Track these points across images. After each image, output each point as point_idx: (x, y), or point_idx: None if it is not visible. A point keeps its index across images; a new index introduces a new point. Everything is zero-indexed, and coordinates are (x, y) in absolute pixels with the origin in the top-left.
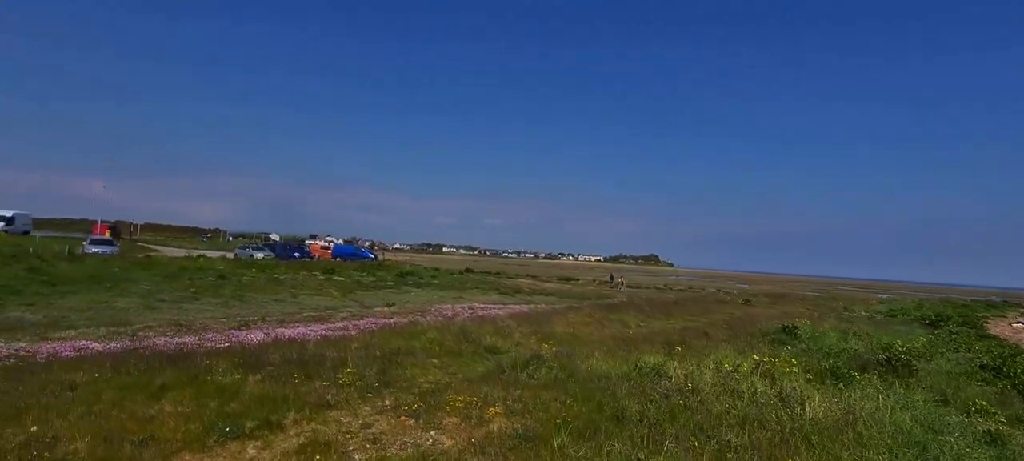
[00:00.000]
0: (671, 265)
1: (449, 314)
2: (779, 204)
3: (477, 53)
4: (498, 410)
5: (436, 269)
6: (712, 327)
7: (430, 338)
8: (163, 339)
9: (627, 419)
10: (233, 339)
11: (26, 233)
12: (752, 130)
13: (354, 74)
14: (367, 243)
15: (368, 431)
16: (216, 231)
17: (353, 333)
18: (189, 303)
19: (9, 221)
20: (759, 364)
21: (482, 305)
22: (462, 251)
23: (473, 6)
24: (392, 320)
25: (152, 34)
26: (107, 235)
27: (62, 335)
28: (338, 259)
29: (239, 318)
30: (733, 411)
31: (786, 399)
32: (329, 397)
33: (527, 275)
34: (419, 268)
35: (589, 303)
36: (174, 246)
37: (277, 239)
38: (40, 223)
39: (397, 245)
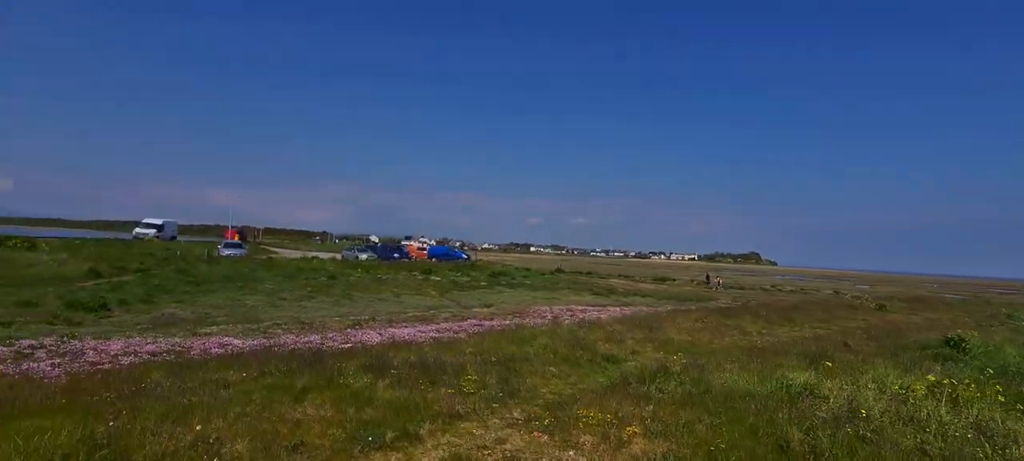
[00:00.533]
0: (774, 264)
1: (548, 316)
2: (891, 196)
3: (563, 53)
4: (636, 429)
5: (527, 269)
6: (850, 337)
7: (542, 344)
8: (290, 337)
9: (792, 451)
10: (352, 339)
11: (173, 238)
12: (860, 120)
13: (441, 76)
14: (458, 243)
15: (504, 448)
16: (324, 234)
17: (462, 336)
18: (307, 301)
19: (160, 228)
20: (935, 386)
21: (580, 307)
22: (549, 250)
23: (565, 7)
24: (494, 322)
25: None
26: (236, 239)
27: (207, 331)
28: (433, 259)
29: (351, 317)
30: (928, 447)
31: (987, 432)
32: (458, 407)
33: (619, 275)
34: (510, 268)
35: (695, 306)
36: (290, 248)
37: (377, 240)
38: (183, 229)
39: (486, 245)
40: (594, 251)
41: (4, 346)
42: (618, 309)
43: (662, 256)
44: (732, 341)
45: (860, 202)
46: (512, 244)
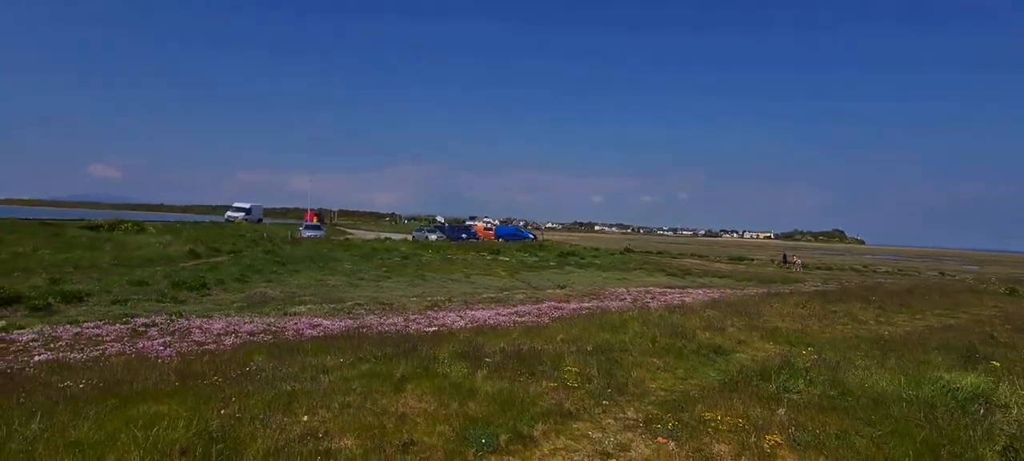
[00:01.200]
0: (860, 242)
1: (627, 299)
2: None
3: (633, 31)
4: (778, 438)
5: (595, 249)
6: (992, 328)
7: (636, 332)
8: (374, 318)
9: None
10: (435, 322)
11: (259, 221)
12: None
13: (506, 53)
14: (521, 223)
15: (628, 456)
16: (393, 215)
17: (545, 321)
18: (383, 281)
19: (248, 212)
20: None
21: (658, 289)
22: (614, 229)
23: None
24: (572, 305)
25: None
26: (315, 221)
27: (297, 310)
28: (500, 240)
29: (428, 297)
30: None
31: None
32: (566, 403)
33: (692, 255)
34: (579, 248)
35: (788, 290)
36: (363, 229)
37: (444, 221)
38: (267, 212)
39: (550, 224)
40: (660, 230)
41: (122, 324)
42: (700, 292)
43: (734, 234)
44: (847, 331)
45: (959, 173)
46: (576, 223)
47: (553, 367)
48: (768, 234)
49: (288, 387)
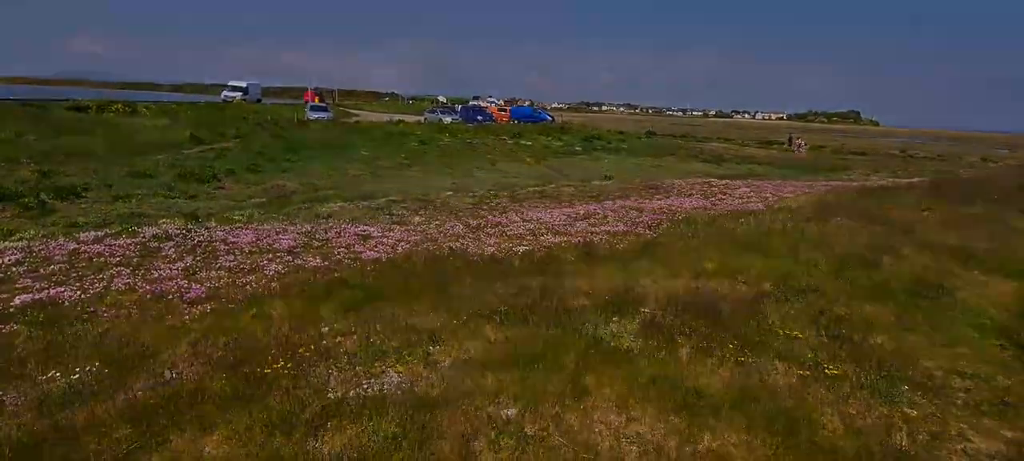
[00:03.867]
0: (875, 123)
1: (696, 194)
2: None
3: None
4: None
5: (620, 133)
6: None
7: (810, 259)
8: (420, 218)
9: None
10: (503, 231)
11: (258, 101)
12: None
13: None
14: (527, 102)
15: None
16: (392, 94)
17: (643, 231)
18: (406, 170)
19: (245, 91)
20: None
21: (720, 181)
22: (623, 110)
23: None
24: (653, 203)
25: None
26: (318, 102)
27: (326, 208)
28: (515, 121)
29: (469, 192)
30: None
31: None
32: (858, 422)
33: (718, 138)
34: (603, 131)
35: (856, 183)
36: (367, 111)
37: (445, 100)
38: (264, 91)
39: (556, 105)
40: (671, 110)
41: (128, 237)
42: (771, 185)
43: (746, 115)
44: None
45: (983, 47)
46: (582, 103)
47: (758, 327)
48: (781, 115)
49: (398, 388)
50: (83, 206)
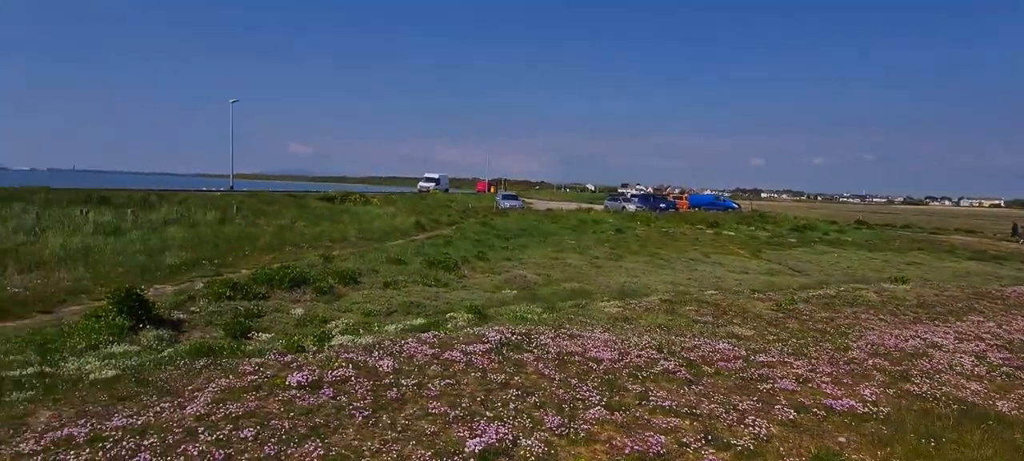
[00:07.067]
0: None
1: None
2: None
3: None
4: None
5: (832, 221)
6: None
7: None
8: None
9: None
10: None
11: (447, 191)
12: None
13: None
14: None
15: None
16: (542, 183)
17: None
18: (622, 261)
19: (437, 181)
20: None
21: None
22: (785, 196)
23: None
24: None
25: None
26: (488, 191)
27: (605, 309)
28: (696, 209)
29: (735, 292)
30: None
31: None
32: None
33: (953, 230)
34: (812, 220)
35: None
36: (535, 198)
37: (593, 188)
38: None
39: (707, 191)
40: (843, 197)
41: (472, 341)
42: None
43: (945, 202)
44: None
45: None
46: (738, 190)
47: None
48: (997, 201)
49: None
50: (364, 292)
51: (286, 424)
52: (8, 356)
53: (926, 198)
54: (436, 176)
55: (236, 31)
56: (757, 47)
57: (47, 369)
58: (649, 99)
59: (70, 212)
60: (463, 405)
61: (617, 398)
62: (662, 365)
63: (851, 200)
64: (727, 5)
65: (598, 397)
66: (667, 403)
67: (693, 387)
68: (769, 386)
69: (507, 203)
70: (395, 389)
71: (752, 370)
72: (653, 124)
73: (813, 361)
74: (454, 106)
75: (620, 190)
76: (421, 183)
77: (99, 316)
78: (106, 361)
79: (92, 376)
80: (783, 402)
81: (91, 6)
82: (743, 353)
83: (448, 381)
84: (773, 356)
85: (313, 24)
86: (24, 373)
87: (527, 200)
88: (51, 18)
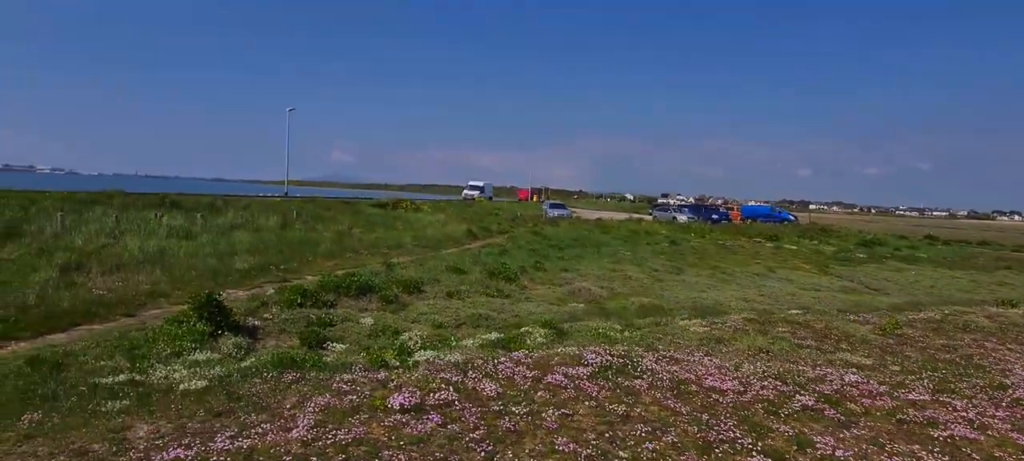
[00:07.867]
0: None
1: None
2: None
3: None
4: None
5: (901, 236)
6: None
7: None
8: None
9: None
10: None
11: (490, 199)
12: None
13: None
14: (719, 201)
15: None
16: (581, 192)
17: None
18: (682, 274)
19: (482, 189)
20: None
21: None
22: (836, 208)
23: None
24: None
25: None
26: (531, 199)
27: (691, 330)
28: (748, 221)
29: (794, 306)
30: None
31: None
32: None
33: None
34: (882, 235)
35: None
36: (578, 208)
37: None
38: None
39: (752, 202)
40: (898, 209)
41: (580, 366)
42: None
43: (1015, 217)
44: None
45: None
46: (784, 201)
47: None
48: None
49: None
50: (429, 301)
51: (402, 457)
52: (99, 361)
53: (993, 212)
54: (480, 184)
55: (281, 36)
56: (803, 54)
57: (137, 377)
58: (688, 105)
59: (145, 216)
60: (589, 441)
61: (770, 442)
62: (799, 400)
63: (909, 213)
64: (773, 3)
65: (747, 440)
66: (840, 453)
67: (851, 431)
68: (945, 434)
69: (555, 212)
70: (506, 418)
71: (909, 411)
72: (692, 132)
73: (970, 401)
74: (488, 114)
75: (661, 200)
76: (466, 191)
77: (181, 321)
78: (192, 369)
79: (182, 386)
80: (973, 455)
81: (148, 12)
82: (881, 388)
83: (563, 411)
84: (921, 394)
85: (351, 34)
86: (116, 380)
87: (577, 210)
88: (116, 33)
